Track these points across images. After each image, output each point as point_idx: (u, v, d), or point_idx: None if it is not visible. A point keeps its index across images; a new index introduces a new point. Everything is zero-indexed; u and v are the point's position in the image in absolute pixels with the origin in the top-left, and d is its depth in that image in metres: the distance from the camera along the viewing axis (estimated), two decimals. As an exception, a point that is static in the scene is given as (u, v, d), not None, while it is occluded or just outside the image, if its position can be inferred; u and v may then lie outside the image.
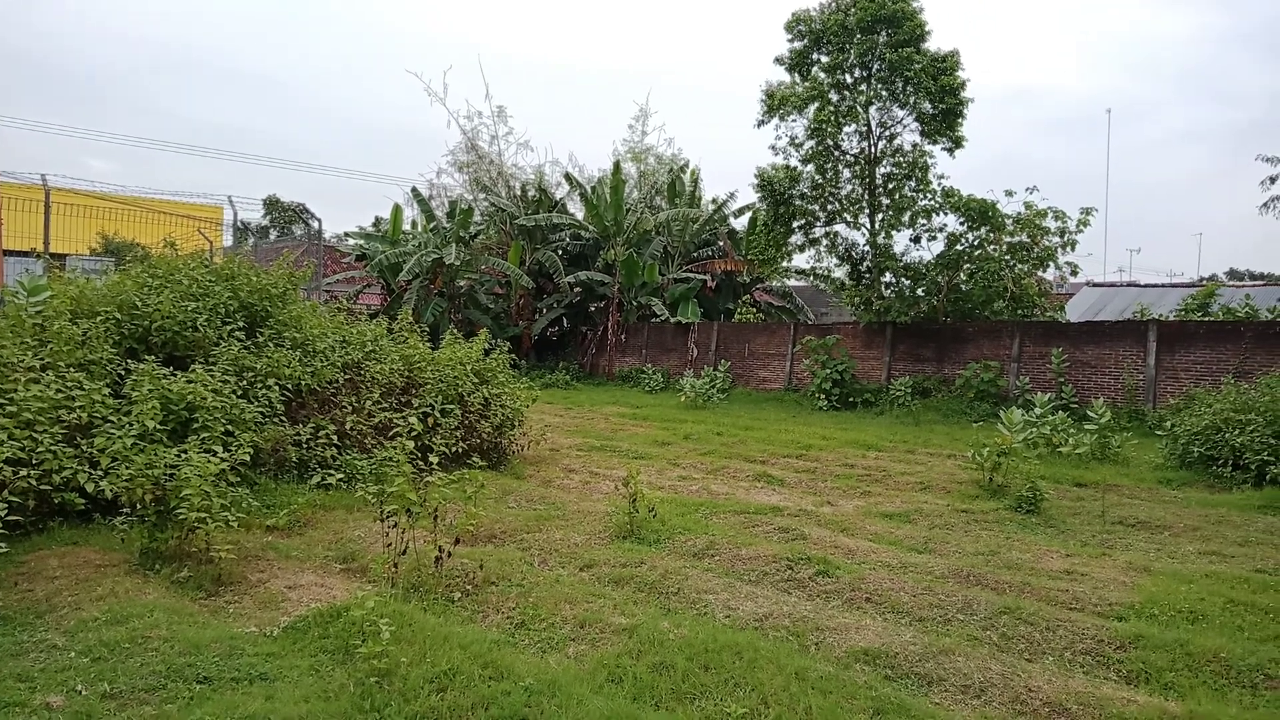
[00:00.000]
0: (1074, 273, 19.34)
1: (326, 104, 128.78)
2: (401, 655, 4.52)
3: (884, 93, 19.87)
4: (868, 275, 20.99)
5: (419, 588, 5.87)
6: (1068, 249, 18.43)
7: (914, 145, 20.15)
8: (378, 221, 33.24)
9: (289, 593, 5.85)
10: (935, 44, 19.61)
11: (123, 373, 8.00)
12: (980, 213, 18.67)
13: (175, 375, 7.61)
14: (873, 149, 20.41)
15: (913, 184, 19.85)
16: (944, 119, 19.56)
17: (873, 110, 20.15)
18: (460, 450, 9.74)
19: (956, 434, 14.84)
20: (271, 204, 54.59)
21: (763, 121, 21.05)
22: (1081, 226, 18.29)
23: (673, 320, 25.71)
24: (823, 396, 19.53)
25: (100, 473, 6.38)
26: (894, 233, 20.13)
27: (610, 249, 26.56)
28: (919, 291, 20.19)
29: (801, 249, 22.05)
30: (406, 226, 29.49)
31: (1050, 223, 18.37)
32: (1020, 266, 18.86)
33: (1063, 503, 9.39)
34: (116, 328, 8.66)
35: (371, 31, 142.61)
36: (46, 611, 5.21)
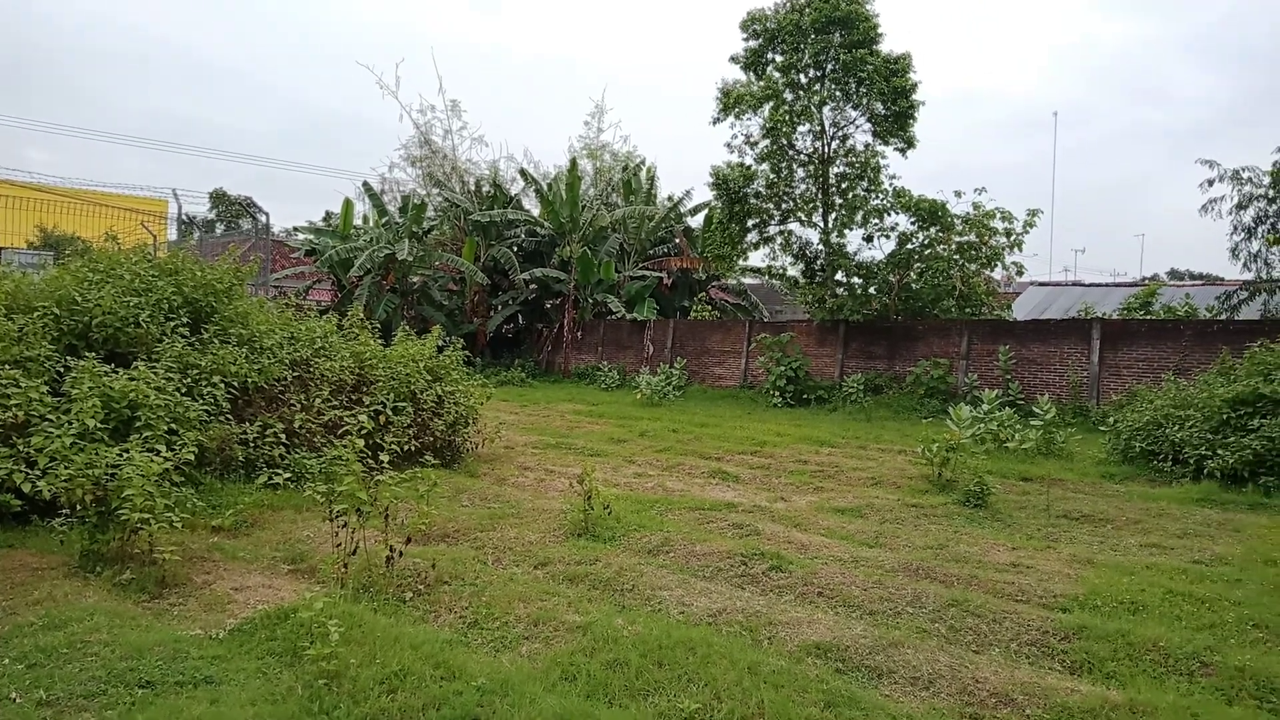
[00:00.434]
0: (1020, 272, 19.77)
1: (276, 95, 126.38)
2: (351, 656, 4.46)
3: (838, 93, 20.11)
4: (821, 273, 21.23)
5: (370, 588, 5.80)
6: (1014, 249, 18.86)
7: (866, 146, 20.43)
8: (328, 216, 32.75)
9: (235, 594, 5.75)
10: (888, 46, 19.93)
11: (62, 370, 7.75)
12: (930, 213, 19.01)
13: (117, 373, 7.43)
14: (826, 149, 20.64)
15: (865, 184, 20.10)
16: (896, 120, 19.86)
17: (826, 110, 20.38)
18: (413, 449, 9.64)
19: (907, 430, 15.08)
20: (218, 197, 53.48)
21: (718, 120, 21.17)
22: (1028, 227, 18.71)
23: (629, 318, 25.72)
24: (777, 393, 19.70)
25: (38, 473, 6.17)
26: (847, 232, 20.39)
27: (566, 246, 26.47)
28: (871, 290, 20.48)
29: (756, 247, 22.22)
30: (358, 221, 29.05)
31: (997, 223, 18.76)
32: (969, 266, 19.23)
33: (1009, 497, 9.59)
34: (55, 324, 8.40)
35: (321, 21, 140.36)
36: (-21, 617, 5.04)
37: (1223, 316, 17.79)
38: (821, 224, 20.78)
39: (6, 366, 7.29)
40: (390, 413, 9.74)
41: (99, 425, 6.72)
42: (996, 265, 19.23)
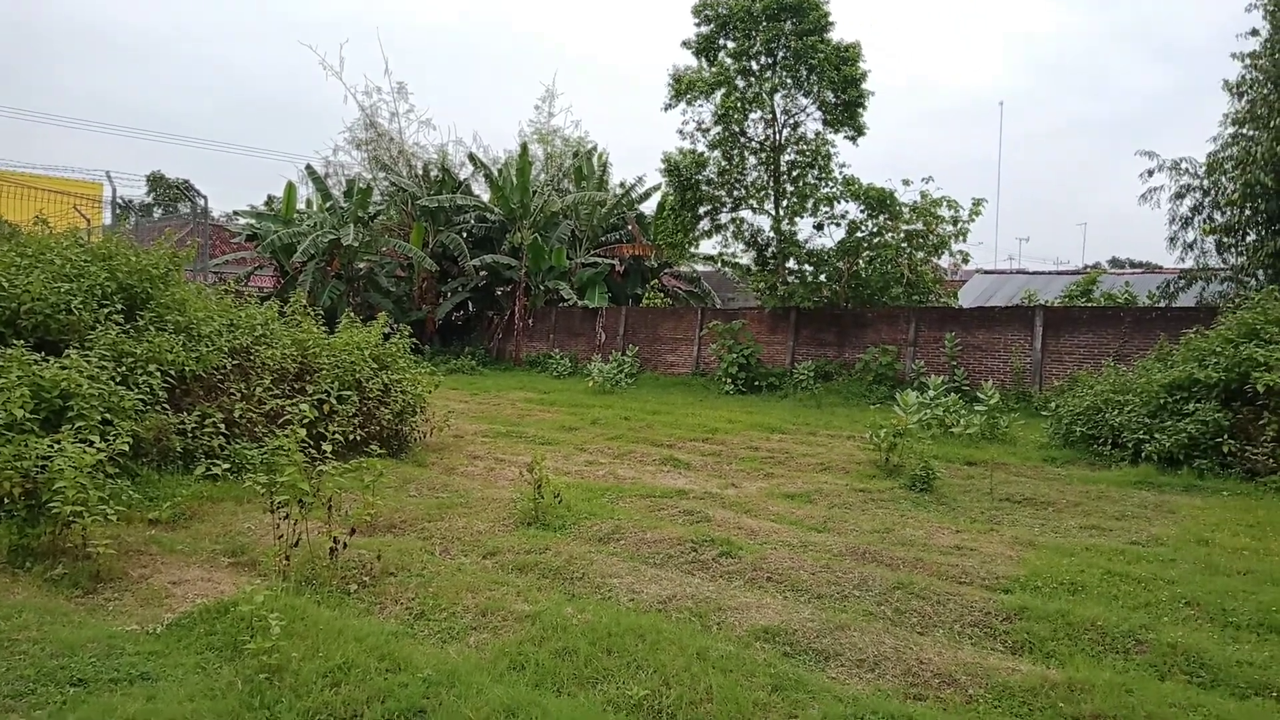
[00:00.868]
0: (966, 260, 20.15)
1: (216, 75, 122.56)
2: (293, 650, 4.37)
3: (789, 80, 20.20)
4: (773, 261, 21.35)
5: (313, 581, 5.68)
6: (961, 237, 19.22)
7: (817, 134, 20.58)
8: (270, 200, 31.93)
9: (173, 588, 5.61)
10: (838, 35, 20.07)
11: (-13, 359, 7.44)
12: (879, 201, 19.26)
13: (47, 361, 7.17)
14: (778, 136, 20.73)
15: (816, 172, 20.25)
16: (846, 109, 20.03)
17: (778, 98, 20.46)
18: (359, 438, 9.47)
19: (856, 416, 15.27)
20: (155, 180, 51.96)
21: (670, 105, 21.13)
22: (973, 216, 19.07)
23: (581, 305, 25.62)
24: (729, 381, 19.81)
25: (-39, 466, 5.93)
26: (798, 219, 20.56)
27: (517, 232, 26.24)
28: (821, 278, 20.67)
29: (709, 235, 22.28)
30: (301, 205, 28.46)
31: (944, 211, 19.08)
32: (916, 254, 19.53)
33: (954, 481, 9.76)
34: (-21, 311, 8.07)
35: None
36: (-103, 617, 4.83)
37: (1160, 304, 18.30)
38: (773, 212, 20.89)
39: (-73, 355, 6.99)
40: (335, 402, 9.56)
41: (28, 416, 6.48)
42: (943, 253, 19.58)
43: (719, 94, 20.25)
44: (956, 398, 13.79)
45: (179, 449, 8.31)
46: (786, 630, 5.05)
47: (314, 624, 4.79)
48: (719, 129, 20.62)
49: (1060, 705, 4.16)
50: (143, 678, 4.24)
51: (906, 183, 19.45)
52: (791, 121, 20.76)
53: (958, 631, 5.22)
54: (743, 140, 20.81)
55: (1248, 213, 15.97)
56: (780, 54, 20.09)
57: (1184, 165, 17.52)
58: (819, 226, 20.63)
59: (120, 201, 22.33)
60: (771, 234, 21.10)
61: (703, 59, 21.04)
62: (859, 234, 19.84)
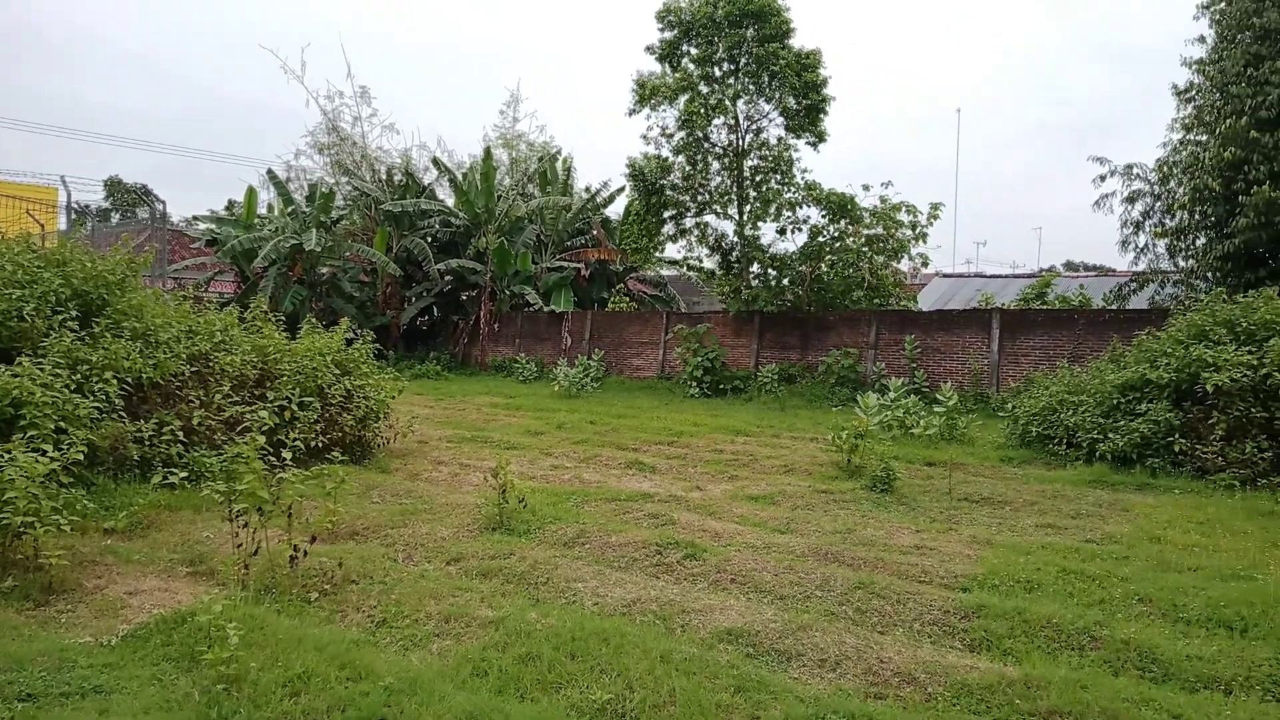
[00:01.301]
0: (925, 263, 20.41)
1: (175, 77, 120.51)
2: (252, 660, 4.32)
3: (751, 87, 20.36)
4: (737, 265, 21.49)
5: (273, 589, 5.61)
6: (920, 241, 19.48)
7: (779, 139, 20.76)
8: (231, 205, 31.50)
9: (129, 599, 5.51)
10: (800, 42, 20.28)
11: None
12: (840, 206, 19.49)
13: (-1, 369, 7.00)
14: (741, 142, 20.88)
15: (778, 177, 20.43)
16: (807, 114, 20.23)
17: (740, 104, 20.61)
18: (320, 445, 9.37)
19: (819, 418, 15.41)
20: (113, 185, 51.03)
21: (634, 111, 21.17)
22: (932, 220, 19.36)
23: (546, 309, 25.55)
24: (694, 384, 19.89)
25: (-93, 477, 5.77)
26: (761, 224, 20.71)
27: (482, 237, 26.12)
28: (785, 281, 20.84)
29: (673, 239, 22.34)
30: (262, 210, 28.08)
31: (903, 216, 19.36)
32: (877, 258, 19.76)
33: (914, 481, 9.89)
34: (-73, 318, 7.87)
35: (225, 2, 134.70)
36: None
37: (1114, 306, 18.69)
38: (736, 216, 21.02)
39: None
40: (296, 408, 9.45)
41: (-24, 425, 6.33)
42: (903, 257, 19.83)
43: (683, 99, 20.35)
44: (916, 399, 13.98)
45: (136, 457, 8.17)
46: (749, 631, 5.09)
47: (273, 633, 4.73)
48: (683, 134, 20.72)
49: (1017, 702, 4.24)
50: (95, 691, 4.16)
51: (866, 188, 19.76)
52: (754, 127, 20.94)
53: (917, 630, 5.30)
54: (706, 145, 20.92)
55: (1197, 217, 16.39)
56: (742, 60, 20.25)
57: (1135, 170, 17.95)
58: (782, 231, 20.83)
59: (76, 206, 21.87)
60: (735, 238, 21.24)
61: (666, 64, 21.13)
62: (821, 238, 20.05)
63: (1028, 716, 4.15)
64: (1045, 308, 20.51)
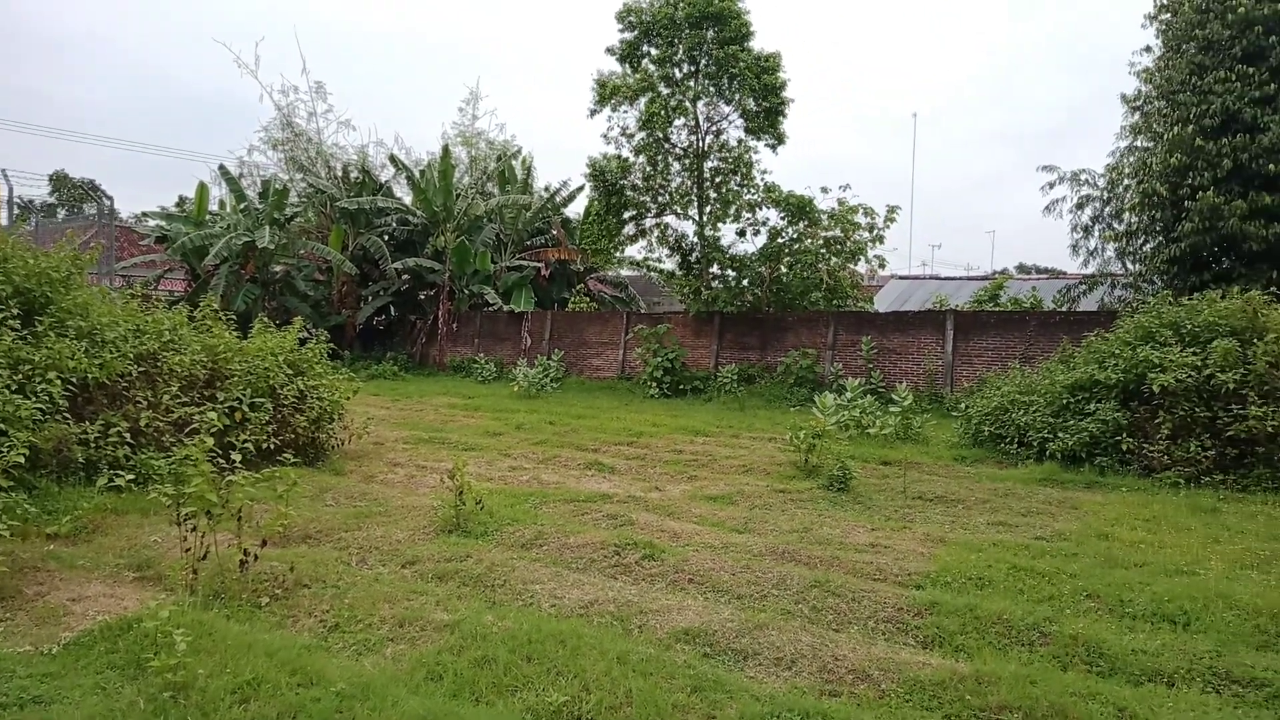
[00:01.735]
0: (882, 265, 20.68)
1: (125, 70, 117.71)
2: (200, 666, 4.24)
3: (711, 88, 20.42)
4: (697, 266, 21.56)
5: (222, 594, 5.50)
6: (876, 243, 19.74)
7: (739, 141, 20.85)
8: (182, 201, 30.83)
9: (73, 606, 5.36)
10: (760, 44, 20.39)
11: None
12: (799, 208, 19.66)
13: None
14: (701, 143, 20.94)
15: (738, 178, 20.55)
16: (767, 116, 20.34)
17: (701, 105, 20.67)
18: (272, 447, 9.21)
19: (778, 418, 15.52)
20: (59, 180, 49.65)
21: (595, 111, 21.11)
22: (888, 223, 19.64)
23: (506, 309, 25.40)
24: (654, 384, 19.91)
25: None
26: (721, 225, 20.83)
27: (440, 235, 25.87)
28: (744, 282, 20.98)
29: (634, 239, 22.35)
30: (214, 207, 27.52)
31: (861, 218, 19.61)
32: (834, 259, 19.97)
33: (870, 480, 10.01)
34: None
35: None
36: None
37: (1064, 308, 19.11)
38: (697, 217, 21.09)
39: None
40: (247, 409, 9.27)
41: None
42: (860, 259, 20.06)
43: (643, 100, 20.34)
44: (873, 399, 14.15)
45: (81, 460, 7.95)
46: (706, 631, 5.10)
47: (222, 639, 4.64)
48: (643, 135, 20.71)
49: (968, 698, 4.30)
50: (35, 701, 4.04)
51: (825, 190, 20.01)
52: (714, 128, 21.01)
53: (872, 627, 5.36)
54: (667, 146, 20.96)
55: (1145, 220, 16.80)
56: (703, 62, 20.31)
57: (1083, 177, 18.39)
58: (741, 233, 20.96)
59: (19, 201, 21.28)
60: (695, 239, 21.31)
61: (627, 65, 21.10)
62: (780, 240, 20.22)
63: (978, 712, 4.21)
64: (998, 309, 20.88)
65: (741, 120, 20.70)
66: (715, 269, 21.47)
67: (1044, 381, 12.07)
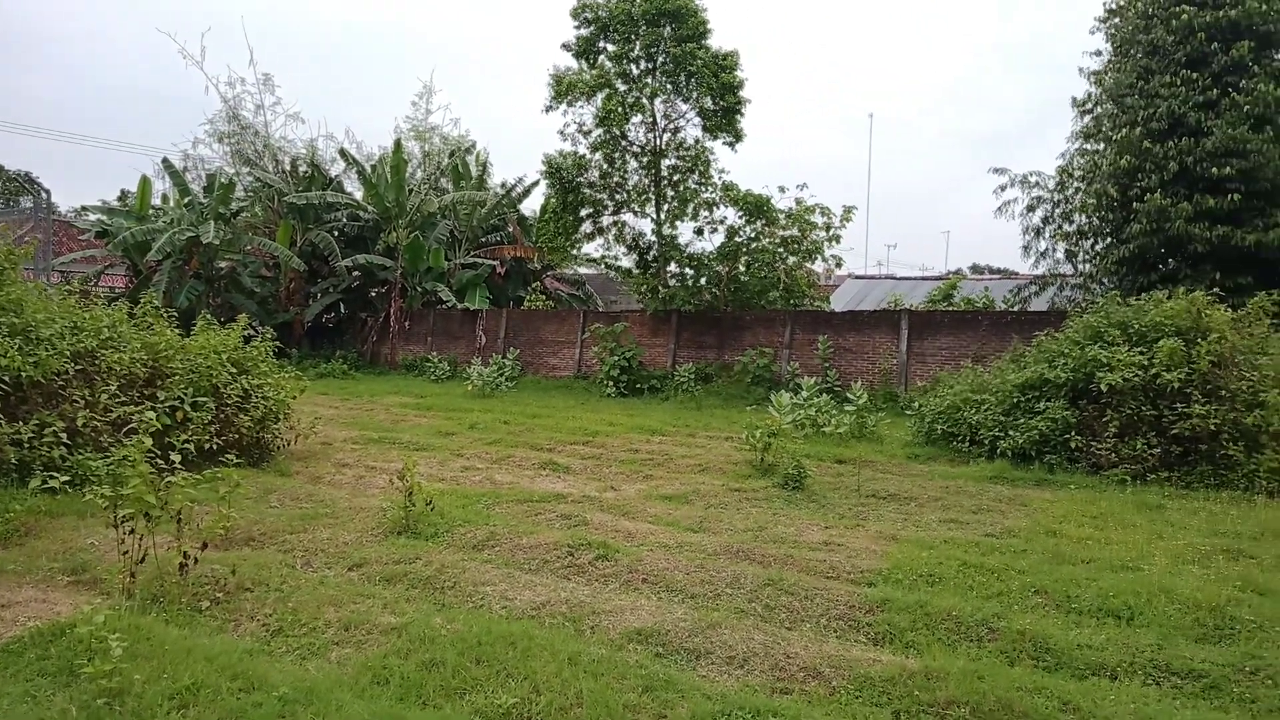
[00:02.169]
0: (839, 265, 20.86)
1: (63, 59, 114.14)
2: (136, 672, 4.10)
3: (669, 86, 20.42)
4: (654, 265, 21.54)
5: (161, 599, 5.32)
6: (833, 242, 19.89)
7: (697, 140, 20.89)
8: (124, 195, 29.99)
9: (2, 611, 5.18)
10: (717, 43, 20.42)
11: None
12: (756, 207, 19.75)
13: None
14: (658, 141, 20.93)
15: (696, 177, 20.58)
16: (724, 115, 20.39)
17: (658, 103, 20.65)
18: (214, 447, 8.98)
19: (734, 417, 15.55)
20: (-7, 172, 47.98)
21: (551, 107, 20.97)
22: (845, 222, 19.80)
23: (460, 307, 25.14)
24: (611, 383, 19.85)
25: None
26: (679, 223, 20.84)
27: (392, 231, 25.52)
28: (702, 281, 21.01)
29: (590, 238, 22.26)
30: (156, 201, 26.84)
31: (817, 218, 19.74)
32: (791, 259, 20.09)
33: (824, 479, 10.06)
34: None
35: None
36: None
37: (1015, 308, 19.46)
38: (654, 215, 21.07)
39: None
40: (189, 409, 9.02)
41: None
42: (817, 258, 20.20)
43: (600, 96, 20.26)
44: (828, 398, 14.24)
45: (14, 461, 7.70)
46: (659, 631, 5.07)
47: (160, 644, 4.50)
48: (600, 131, 20.63)
49: (917, 693, 4.32)
50: (-42, 712, 3.87)
51: (782, 189, 20.09)
52: (672, 126, 21.01)
53: (824, 625, 5.36)
54: (624, 144, 20.90)
55: (1096, 221, 17.16)
56: (660, 59, 20.29)
57: (1034, 179, 18.72)
58: (699, 231, 20.99)
59: (-51, 193, 20.48)
60: (653, 237, 21.30)
61: (583, 61, 21.01)
62: (738, 239, 20.28)
63: (926, 707, 4.23)
64: (951, 309, 21.20)
65: (699, 118, 20.73)
66: (673, 267, 21.47)
67: (995, 380, 12.22)
